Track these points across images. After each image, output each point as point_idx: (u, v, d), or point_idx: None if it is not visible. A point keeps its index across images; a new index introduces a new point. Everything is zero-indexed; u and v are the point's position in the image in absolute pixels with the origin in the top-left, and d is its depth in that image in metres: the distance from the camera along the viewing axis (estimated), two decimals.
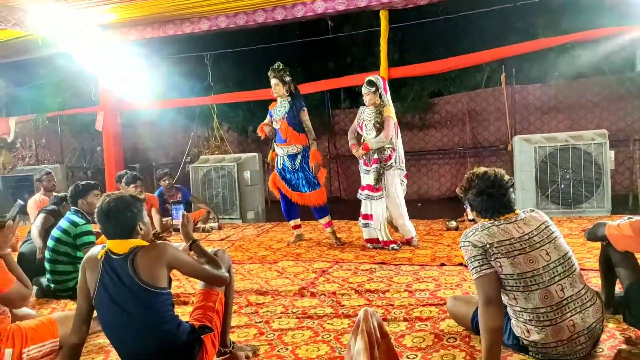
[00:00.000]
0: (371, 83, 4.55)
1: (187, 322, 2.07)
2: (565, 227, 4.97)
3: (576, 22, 7.88)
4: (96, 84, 7.83)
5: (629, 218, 2.11)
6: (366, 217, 4.60)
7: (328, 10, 6.10)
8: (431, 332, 2.48)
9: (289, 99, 4.80)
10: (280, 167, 4.90)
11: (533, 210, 2.09)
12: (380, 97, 4.58)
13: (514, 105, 8.41)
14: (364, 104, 4.71)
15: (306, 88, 7.27)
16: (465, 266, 3.65)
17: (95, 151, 10.71)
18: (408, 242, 4.62)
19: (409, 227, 4.64)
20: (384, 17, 6.04)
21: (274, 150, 5.03)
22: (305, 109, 4.80)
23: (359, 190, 4.68)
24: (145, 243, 2.02)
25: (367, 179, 4.59)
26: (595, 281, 2.97)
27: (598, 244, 2.39)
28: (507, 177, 2.06)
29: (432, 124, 9.66)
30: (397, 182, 4.58)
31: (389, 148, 4.50)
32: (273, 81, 4.75)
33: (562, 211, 5.77)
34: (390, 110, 4.56)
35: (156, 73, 7.62)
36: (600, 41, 8.17)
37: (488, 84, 9.70)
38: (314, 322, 2.72)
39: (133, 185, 5.57)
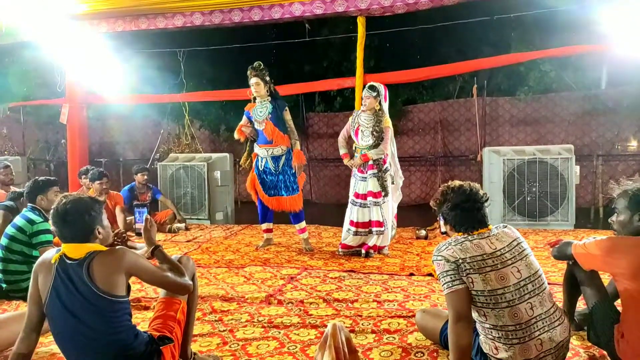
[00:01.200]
0: (373, 88, 4.45)
1: (145, 332, 1.97)
2: (530, 240, 5.05)
3: (548, 38, 8.09)
4: (63, 75, 7.54)
5: (594, 238, 2.13)
6: (359, 225, 4.51)
7: (305, 14, 6.03)
8: (399, 346, 2.44)
9: (269, 99, 4.70)
10: (261, 168, 4.76)
11: (506, 226, 2.08)
12: (380, 103, 4.51)
13: (484, 117, 8.55)
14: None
15: (281, 90, 7.10)
16: (434, 277, 3.68)
17: (60, 144, 10.34)
18: (379, 250, 4.59)
19: (390, 235, 4.63)
20: (361, 23, 6.01)
21: (250, 152, 4.87)
22: (287, 108, 4.75)
23: (353, 198, 4.59)
24: (103, 248, 1.91)
25: (364, 186, 4.51)
26: (559, 296, 3.00)
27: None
28: (482, 192, 2.04)
29: (404, 131, 9.75)
30: (391, 187, 4.58)
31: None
32: (253, 80, 4.61)
33: (527, 223, 5.88)
34: (389, 121, 4.53)
35: (127, 67, 7.40)
36: (569, 58, 8.43)
37: (460, 94, 9.87)
38: (280, 332, 2.65)
39: (99, 182, 5.37)
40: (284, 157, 4.70)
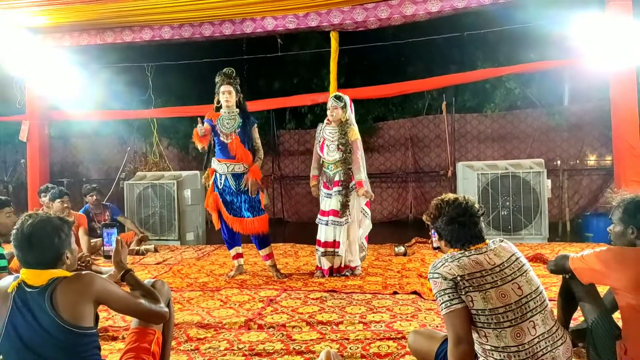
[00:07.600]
0: (339, 98, 4.29)
1: None
2: None
3: (512, 56, 8.31)
4: (23, 91, 7.18)
5: (592, 250, 2.07)
6: (327, 244, 4.26)
7: (278, 28, 5.97)
8: None
9: (237, 110, 4.29)
10: (220, 187, 4.28)
11: (502, 240, 1.99)
12: (347, 115, 4.30)
13: (453, 133, 8.66)
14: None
15: (252, 106, 7.00)
16: (419, 295, 3.57)
17: (19, 164, 9.85)
18: (352, 271, 4.37)
19: (359, 255, 4.42)
20: (334, 38, 6.00)
21: (209, 167, 4.40)
22: (256, 124, 4.40)
23: (319, 216, 4.36)
24: (67, 273, 1.71)
25: (328, 203, 4.29)
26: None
27: (541, 270, 2.32)
28: (477, 205, 1.96)
29: (375, 148, 9.78)
30: (357, 206, 4.35)
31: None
32: (225, 88, 4.19)
33: (502, 237, 5.87)
34: (356, 132, 4.30)
35: (92, 82, 7.12)
36: (533, 76, 8.67)
37: (428, 111, 9.99)
38: None
39: (59, 200, 5.03)
40: (246, 176, 4.26)
